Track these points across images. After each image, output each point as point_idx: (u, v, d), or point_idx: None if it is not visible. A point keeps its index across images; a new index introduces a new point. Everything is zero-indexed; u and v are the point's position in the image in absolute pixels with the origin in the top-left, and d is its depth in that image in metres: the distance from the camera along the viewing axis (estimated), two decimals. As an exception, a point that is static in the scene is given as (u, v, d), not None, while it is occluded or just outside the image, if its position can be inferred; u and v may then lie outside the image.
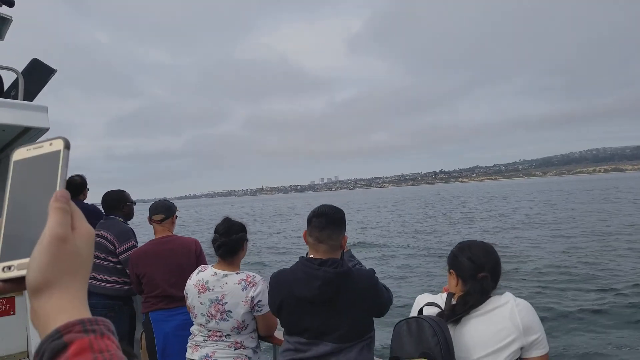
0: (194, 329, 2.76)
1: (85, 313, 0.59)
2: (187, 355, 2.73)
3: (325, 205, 2.24)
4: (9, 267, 0.60)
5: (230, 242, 2.64)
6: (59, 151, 0.62)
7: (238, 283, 2.61)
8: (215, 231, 2.69)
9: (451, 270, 2.07)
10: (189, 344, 2.76)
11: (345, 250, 2.42)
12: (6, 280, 0.60)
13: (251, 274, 2.68)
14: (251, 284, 2.61)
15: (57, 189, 0.61)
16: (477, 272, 1.97)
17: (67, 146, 0.62)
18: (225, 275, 2.64)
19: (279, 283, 2.22)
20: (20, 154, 0.65)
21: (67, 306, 0.58)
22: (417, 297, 2.18)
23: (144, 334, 3.34)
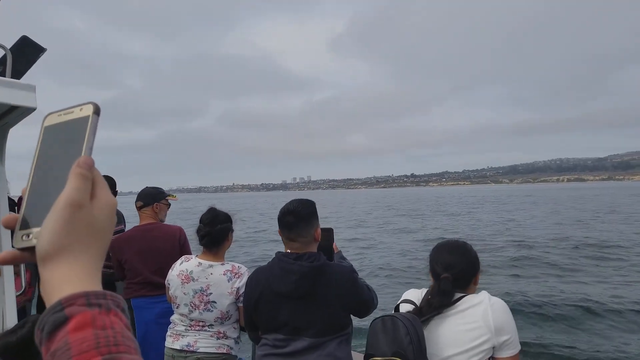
0: (174, 318, 2.73)
1: (95, 286, 0.55)
2: (167, 344, 2.70)
3: (294, 201, 2.22)
4: (28, 235, 0.58)
5: (215, 232, 2.62)
6: (87, 117, 0.60)
7: (224, 274, 2.60)
8: (200, 221, 2.67)
9: (430, 271, 2.11)
10: (168, 333, 2.73)
11: (335, 252, 2.45)
12: (24, 249, 0.58)
13: (237, 264, 2.68)
14: (237, 275, 2.61)
15: (82, 155, 0.58)
16: (442, 273, 1.98)
17: (96, 112, 0.60)
18: (211, 266, 2.62)
19: (256, 279, 2.23)
20: (51, 119, 0.63)
21: (74, 277, 0.54)
22: (404, 292, 2.18)
23: None
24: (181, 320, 2.68)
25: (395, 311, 2.06)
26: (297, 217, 2.14)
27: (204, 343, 2.61)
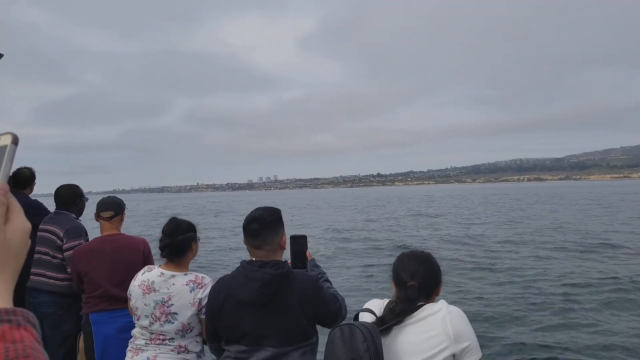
0: (135, 331, 2.64)
1: (7, 304, 0.58)
2: (127, 359, 2.59)
3: (259, 209, 2.20)
4: None
5: (176, 242, 2.53)
6: (5, 146, 0.63)
7: (186, 284, 2.53)
8: (162, 231, 2.58)
9: (393, 279, 2.13)
10: (129, 348, 2.63)
11: (309, 260, 2.41)
12: None
13: (200, 275, 2.60)
14: (200, 285, 2.53)
15: None
16: (407, 281, 2.01)
17: (14, 142, 0.63)
18: (173, 276, 2.54)
19: (219, 287, 2.19)
20: None
21: None
22: (366, 302, 2.19)
23: (81, 336, 3.21)
24: (141, 334, 2.59)
25: (354, 320, 2.07)
26: (262, 224, 2.12)
27: (164, 358, 2.52)
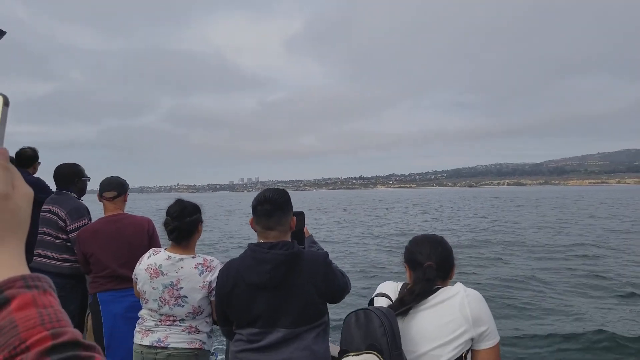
0: (143, 313, 2.61)
1: (25, 270, 0.59)
2: (136, 341, 2.58)
3: (268, 189, 2.19)
4: None
5: (184, 225, 2.50)
6: None
7: (195, 267, 2.50)
8: (168, 214, 2.54)
9: (405, 264, 2.11)
10: (137, 329, 2.61)
11: (307, 236, 2.42)
12: None
13: (208, 257, 2.58)
14: (209, 268, 2.51)
15: None
16: (423, 262, 1.99)
17: (6, 103, 0.61)
18: (181, 259, 2.51)
19: (228, 271, 2.16)
20: None
21: (8, 262, 0.58)
22: (379, 285, 2.17)
23: (90, 315, 3.20)
24: (150, 316, 2.58)
25: (369, 305, 2.04)
26: (275, 205, 2.11)
27: (175, 338, 2.52)
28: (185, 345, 2.51)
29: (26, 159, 3.90)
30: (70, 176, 3.62)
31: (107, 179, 3.34)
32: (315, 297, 2.06)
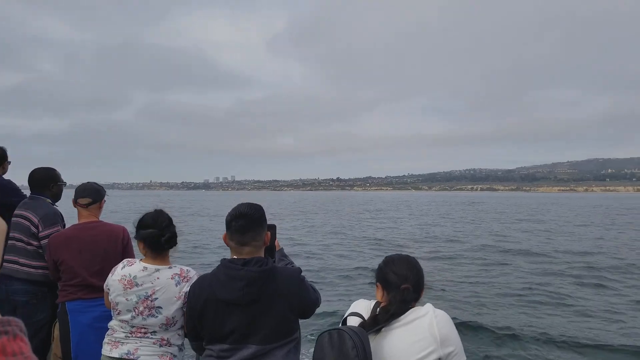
0: (113, 324, 2.56)
1: None
2: (105, 352, 2.52)
3: (242, 204, 2.15)
4: None
5: (173, 235, 2.51)
6: None
7: (171, 278, 2.48)
8: (146, 225, 2.48)
9: (377, 283, 2.13)
10: (106, 340, 2.56)
11: (277, 250, 2.41)
12: None
13: (185, 268, 2.56)
14: (185, 279, 2.49)
15: None
16: (400, 284, 2.03)
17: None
18: (157, 270, 2.48)
19: (200, 287, 2.14)
20: None
21: None
22: (353, 303, 2.18)
23: (57, 324, 3.12)
24: (121, 327, 2.52)
25: (342, 324, 2.05)
26: (250, 220, 2.09)
27: (146, 351, 2.47)
28: (156, 359, 2.47)
29: None
30: (45, 181, 3.52)
31: (82, 184, 3.27)
32: (288, 314, 2.06)
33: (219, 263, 2.12)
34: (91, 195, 3.19)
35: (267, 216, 2.22)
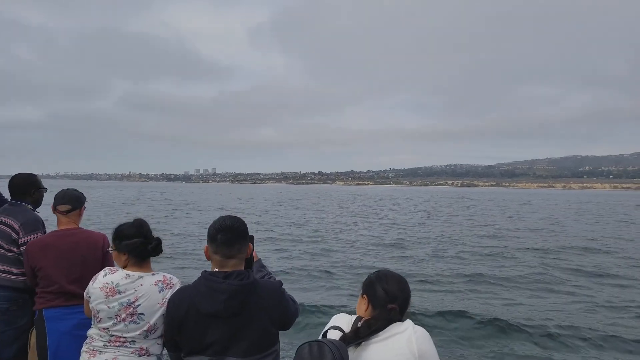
0: (92, 332, 2.54)
1: None
2: None
3: (227, 217, 2.17)
4: None
5: (159, 243, 2.53)
6: None
7: (155, 284, 2.48)
8: (130, 236, 2.48)
9: (364, 295, 2.14)
10: (84, 349, 2.54)
11: (255, 260, 2.42)
12: None
13: (168, 275, 2.57)
14: (169, 286, 2.50)
15: None
16: (388, 303, 2.05)
17: None
18: (141, 277, 2.48)
19: (180, 299, 2.15)
20: None
21: None
22: (333, 316, 2.19)
23: (33, 332, 3.11)
24: (100, 336, 2.50)
25: (322, 337, 2.08)
26: (236, 233, 2.11)
27: None
28: None
29: None
30: (26, 187, 3.50)
31: (62, 191, 3.25)
32: (268, 326, 2.09)
33: (200, 275, 2.12)
34: (71, 202, 3.19)
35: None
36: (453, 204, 56.75)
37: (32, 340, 3.12)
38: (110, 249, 2.57)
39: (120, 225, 2.55)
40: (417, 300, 8.77)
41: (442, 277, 11.69)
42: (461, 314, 8.21)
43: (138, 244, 2.47)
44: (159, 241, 2.53)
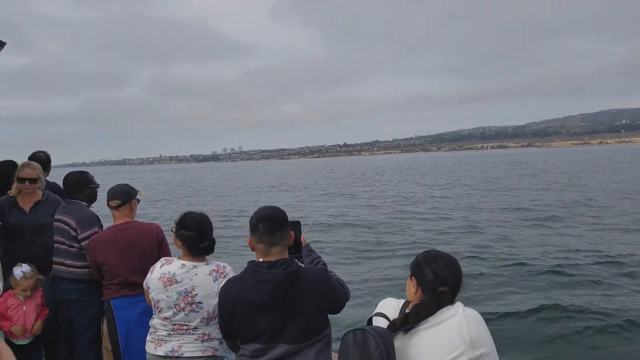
0: (155, 323, 2.69)
1: None
2: (150, 351, 2.66)
3: (266, 207, 2.22)
4: None
5: (211, 244, 2.64)
6: None
7: (209, 274, 2.60)
8: (189, 228, 2.58)
9: (412, 277, 2.06)
10: (149, 339, 2.69)
11: (304, 245, 2.45)
12: None
13: (221, 264, 2.68)
14: (222, 275, 2.61)
15: None
16: (438, 286, 1.95)
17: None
18: (195, 267, 2.61)
19: (227, 291, 2.22)
20: None
21: None
22: (380, 301, 2.16)
23: (105, 320, 3.34)
24: (163, 325, 2.65)
25: (368, 324, 2.05)
26: (276, 221, 2.16)
27: (189, 347, 2.60)
28: (199, 354, 2.60)
29: (42, 163, 3.96)
30: (78, 185, 3.67)
31: (112, 187, 3.39)
32: (316, 313, 2.11)
33: (246, 266, 2.18)
34: (120, 197, 3.33)
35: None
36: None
37: (104, 328, 3.36)
38: (172, 229, 2.69)
39: (187, 214, 2.67)
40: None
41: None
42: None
43: (193, 239, 2.57)
44: (212, 242, 2.63)
